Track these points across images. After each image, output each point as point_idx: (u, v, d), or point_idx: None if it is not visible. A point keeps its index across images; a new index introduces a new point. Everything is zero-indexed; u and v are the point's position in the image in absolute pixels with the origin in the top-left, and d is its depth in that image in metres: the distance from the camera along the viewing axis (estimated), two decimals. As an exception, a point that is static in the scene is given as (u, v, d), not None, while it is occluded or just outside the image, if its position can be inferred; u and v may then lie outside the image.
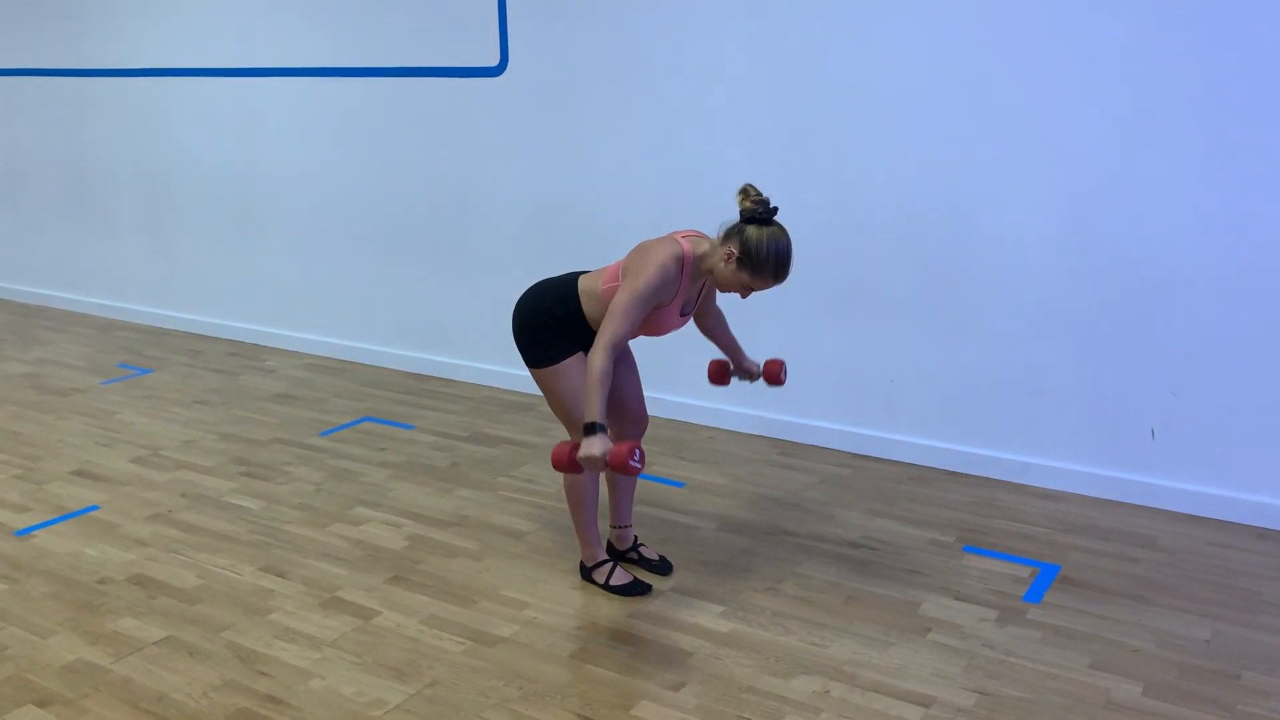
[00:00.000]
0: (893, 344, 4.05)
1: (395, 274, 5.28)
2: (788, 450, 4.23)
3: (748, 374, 3.27)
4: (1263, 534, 3.49)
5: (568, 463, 2.67)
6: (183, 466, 4.13)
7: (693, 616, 3.00)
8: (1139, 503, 3.71)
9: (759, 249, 2.69)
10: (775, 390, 4.31)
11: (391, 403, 4.89)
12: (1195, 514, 3.62)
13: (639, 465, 2.61)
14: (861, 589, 3.15)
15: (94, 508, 3.75)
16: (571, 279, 2.98)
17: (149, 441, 4.40)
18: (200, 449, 4.32)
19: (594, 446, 2.61)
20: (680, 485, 3.90)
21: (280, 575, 3.25)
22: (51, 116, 6.44)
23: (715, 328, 3.24)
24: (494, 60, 4.70)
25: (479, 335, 5.11)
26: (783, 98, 4.05)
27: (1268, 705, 2.58)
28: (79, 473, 4.08)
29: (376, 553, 3.40)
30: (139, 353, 5.74)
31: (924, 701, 2.60)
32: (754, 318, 4.04)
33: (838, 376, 4.19)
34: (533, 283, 3.10)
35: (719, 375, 3.27)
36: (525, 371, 4.90)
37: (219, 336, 6.02)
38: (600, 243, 4.58)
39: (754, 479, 3.96)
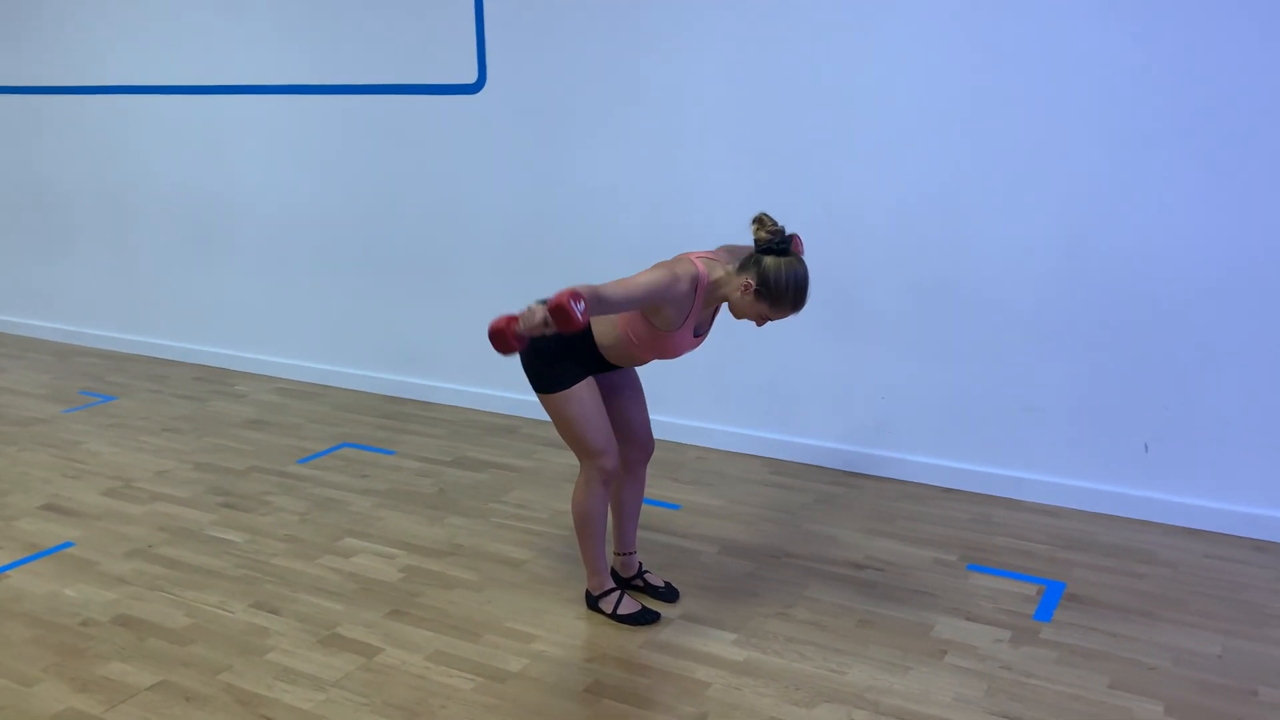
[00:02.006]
0: (885, 361, 4.03)
1: (370, 295, 5.17)
2: (780, 469, 4.19)
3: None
4: (1260, 546, 3.52)
5: (507, 332, 2.49)
6: (158, 498, 3.98)
7: (705, 645, 2.93)
8: (1136, 516, 3.72)
9: (778, 280, 2.64)
10: (766, 409, 4.29)
11: (370, 428, 4.77)
12: (1192, 527, 3.64)
13: (582, 317, 2.43)
14: (872, 612, 3.11)
15: (68, 544, 3.60)
16: (579, 302, 2.90)
17: (120, 472, 4.24)
18: (175, 479, 4.17)
19: (535, 312, 2.47)
20: (676, 508, 3.84)
21: (273, 612, 3.13)
22: (5, 135, 6.22)
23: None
24: (472, 77, 4.62)
25: (458, 357, 5.01)
26: (772, 113, 4.02)
27: (1289, 721, 2.59)
28: (49, 507, 3.91)
29: (371, 586, 3.30)
30: (101, 379, 5.56)
31: (950, 727, 2.56)
32: (746, 336, 3.99)
33: (830, 394, 4.16)
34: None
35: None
36: (507, 394, 4.87)
37: (184, 361, 5.84)
38: (584, 261, 4.52)
39: (750, 499, 3.91)
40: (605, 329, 2.85)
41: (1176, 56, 3.37)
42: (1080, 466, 3.80)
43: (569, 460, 4.29)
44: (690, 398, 4.42)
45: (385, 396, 5.20)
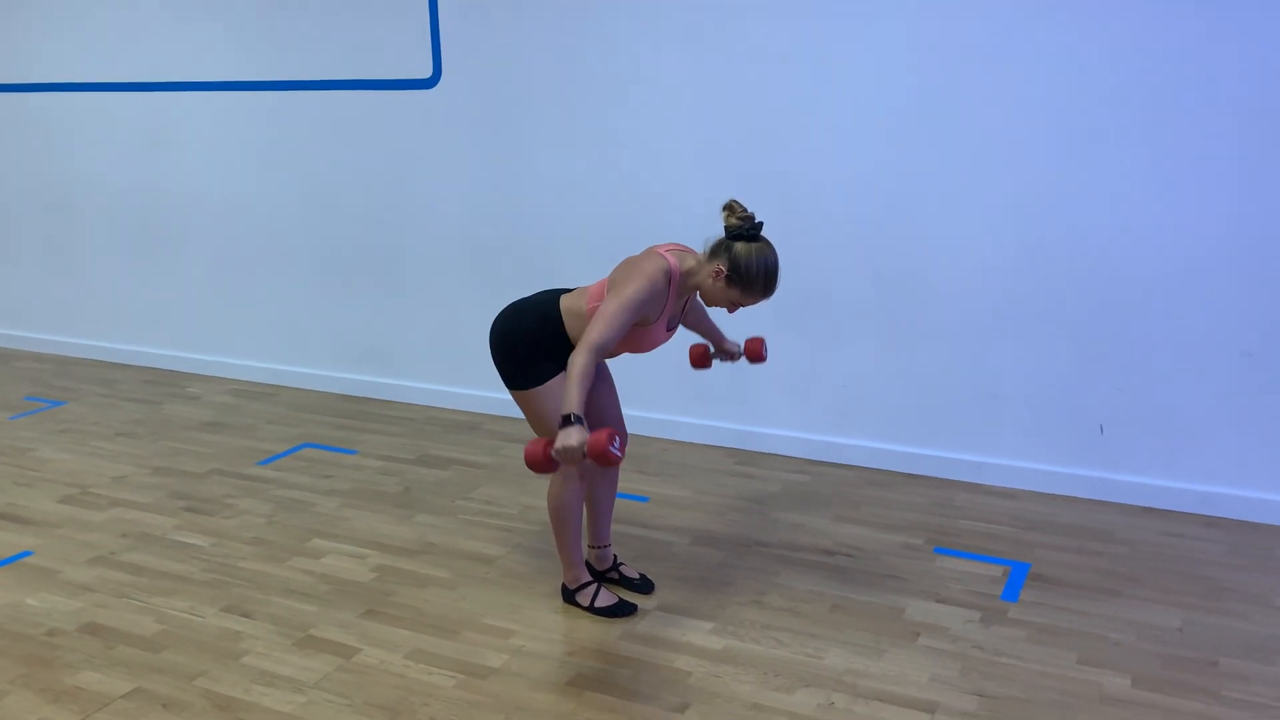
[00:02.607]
0: (846, 350, 4.09)
1: (325, 294, 5.11)
2: (744, 459, 4.23)
3: (729, 355, 3.26)
4: (1211, 522, 3.63)
5: (544, 460, 2.55)
6: (117, 504, 3.91)
7: (683, 635, 2.96)
8: (1092, 497, 3.82)
9: (748, 266, 2.67)
10: (729, 400, 4.33)
11: (329, 427, 4.72)
12: (1146, 505, 3.75)
13: (619, 453, 2.51)
14: (844, 597, 3.16)
15: (27, 553, 3.52)
16: (552, 298, 2.91)
17: (75, 479, 4.15)
18: (133, 484, 4.09)
19: (571, 437, 2.50)
20: (645, 500, 3.86)
21: (246, 615, 3.10)
22: (-63, 135, 6.04)
23: (698, 319, 3.20)
24: (426, 72, 4.59)
25: (417, 355, 4.98)
26: (731, 107, 4.05)
27: (1249, 689, 2.68)
28: (3, 516, 3.82)
29: (344, 586, 3.27)
30: (47, 384, 5.43)
31: (928, 708, 2.62)
32: (710, 329, 4.02)
33: (792, 384, 4.21)
34: (508, 302, 3.03)
35: (701, 359, 3.25)
36: (468, 390, 4.85)
37: (132, 364, 5.73)
38: (545, 257, 4.52)
39: (716, 490, 3.94)
40: (576, 324, 2.85)
41: (1127, 53, 3.46)
42: (1038, 450, 3.89)
43: (534, 455, 4.29)
44: (653, 391, 4.44)
45: (343, 396, 5.16)
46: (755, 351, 3.23)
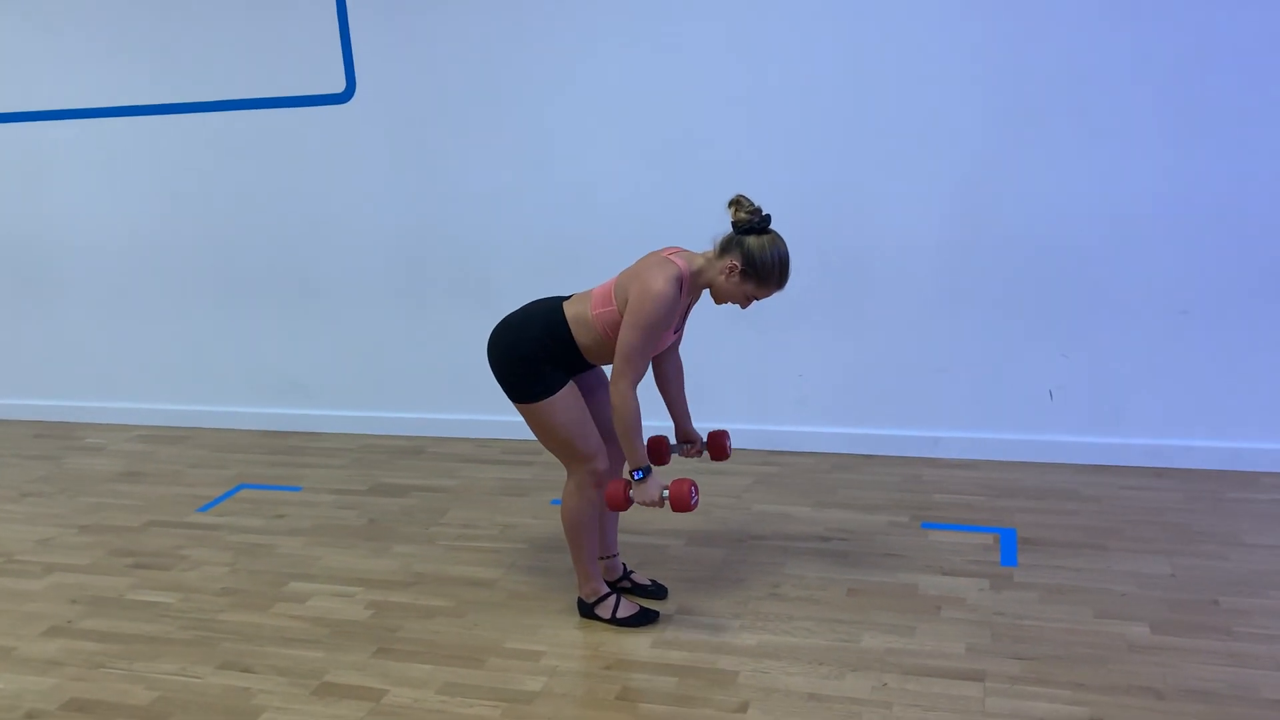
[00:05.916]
0: (798, 340, 4.14)
1: (236, 327, 4.83)
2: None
3: (690, 443, 3.07)
4: (1160, 473, 3.85)
5: (624, 502, 2.74)
6: (54, 569, 3.58)
7: (715, 635, 2.93)
8: (1048, 460, 3.99)
9: (763, 258, 2.66)
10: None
11: (262, 465, 4.46)
12: (1099, 463, 3.94)
13: (697, 501, 2.71)
14: (857, 579, 3.19)
15: (-32, 633, 3.18)
16: (554, 306, 2.83)
17: (-6, 547, 3.79)
18: (64, 546, 3.76)
19: (650, 492, 2.73)
20: (625, 507, 3.80)
21: (247, 670, 2.89)
22: None
23: (672, 376, 3.03)
24: (339, 86, 4.40)
25: (344, 382, 4.76)
26: (662, 106, 4.04)
27: (1255, 622, 2.84)
28: (-76, 596, 3.45)
29: (342, 627, 3.09)
30: (-77, 449, 4.94)
31: (976, 675, 2.67)
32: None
33: (748, 378, 4.24)
34: (503, 316, 2.93)
35: (658, 454, 3.03)
36: (401, 414, 4.68)
37: (16, 419, 5.27)
38: (475, 272, 4.41)
39: (692, 490, 3.92)
40: (582, 329, 2.79)
41: (1054, 29, 3.62)
42: (992, 419, 4.04)
43: (495, 474, 4.18)
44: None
45: (265, 432, 4.89)
46: (719, 445, 3.06)
